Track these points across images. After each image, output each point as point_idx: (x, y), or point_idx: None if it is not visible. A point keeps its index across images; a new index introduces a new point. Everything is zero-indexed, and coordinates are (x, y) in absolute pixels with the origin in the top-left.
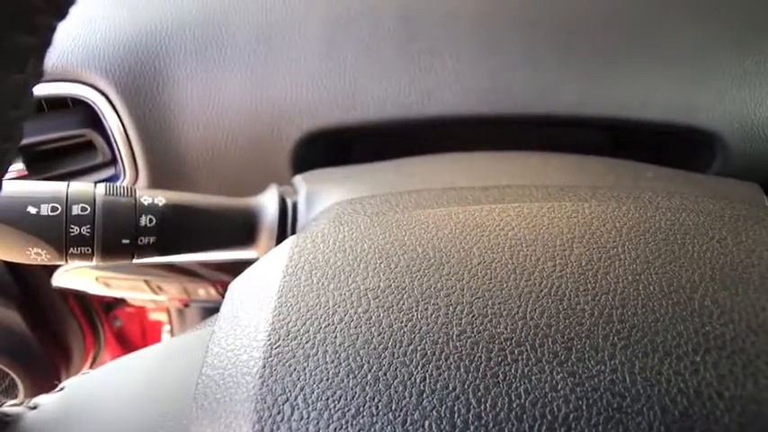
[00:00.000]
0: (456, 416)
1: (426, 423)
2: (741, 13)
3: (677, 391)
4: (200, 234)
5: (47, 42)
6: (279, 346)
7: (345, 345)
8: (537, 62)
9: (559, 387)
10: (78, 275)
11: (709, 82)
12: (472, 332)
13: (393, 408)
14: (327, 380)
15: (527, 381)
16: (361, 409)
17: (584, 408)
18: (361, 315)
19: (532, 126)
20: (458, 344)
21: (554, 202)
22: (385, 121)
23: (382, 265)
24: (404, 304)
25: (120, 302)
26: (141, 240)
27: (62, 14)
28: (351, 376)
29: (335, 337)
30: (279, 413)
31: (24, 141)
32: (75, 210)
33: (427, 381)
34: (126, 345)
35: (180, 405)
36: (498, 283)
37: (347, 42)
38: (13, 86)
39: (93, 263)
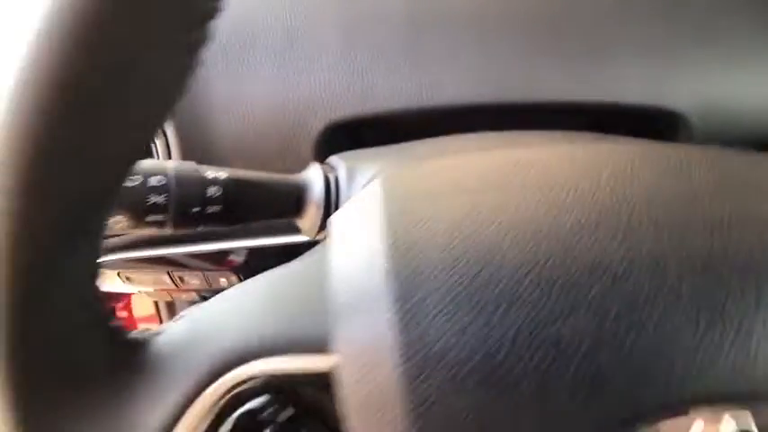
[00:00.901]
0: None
1: (522, 298)
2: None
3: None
4: (258, 204)
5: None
6: (397, 247)
7: (455, 244)
8: (525, 56)
9: (614, 251)
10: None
11: (676, 67)
12: (544, 225)
13: (493, 287)
14: (445, 263)
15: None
16: (471, 285)
17: (633, 268)
18: (462, 220)
19: (520, 113)
20: (537, 234)
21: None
22: (396, 111)
23: (459, 188)
24: (496, 203)
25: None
26: (209, 209)
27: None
28: (461, 258)
29: (444, 236)
30: (414, 288)
31: None
32: (152, 181)
33: (519, 264)
34: None
35: (309, 311)
36: (554, 195)
37: (361, 42)
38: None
39: (167, 231)
